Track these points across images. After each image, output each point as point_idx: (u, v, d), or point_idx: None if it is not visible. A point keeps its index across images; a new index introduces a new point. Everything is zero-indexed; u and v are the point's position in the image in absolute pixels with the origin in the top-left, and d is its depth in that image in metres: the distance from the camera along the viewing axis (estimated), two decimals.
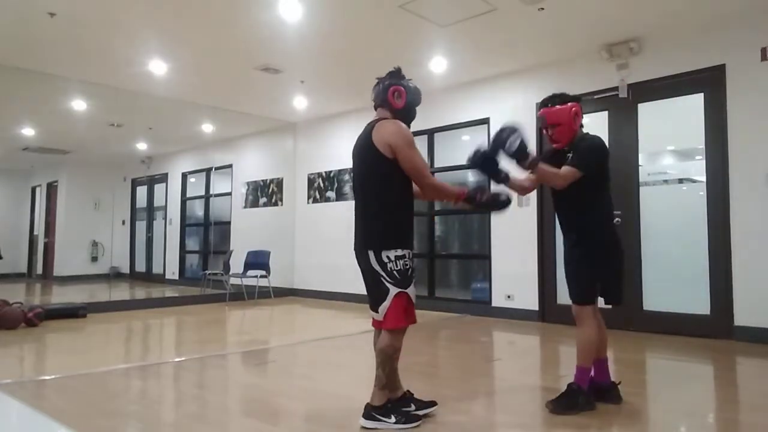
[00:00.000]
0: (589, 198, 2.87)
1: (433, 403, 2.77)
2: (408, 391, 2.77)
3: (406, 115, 2.72)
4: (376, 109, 2.76)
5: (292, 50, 5.56)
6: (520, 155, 2.66)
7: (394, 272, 2.53)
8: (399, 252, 2.54)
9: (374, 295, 2.62)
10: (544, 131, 3.01)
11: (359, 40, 5.38)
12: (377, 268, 2.55)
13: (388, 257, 2.53)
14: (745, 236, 4.60)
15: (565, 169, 2.79)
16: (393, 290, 2.53)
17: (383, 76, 2.76)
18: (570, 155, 2.89)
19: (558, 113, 2.90)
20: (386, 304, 2.54)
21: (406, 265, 2.55)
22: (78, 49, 5.55)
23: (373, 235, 2.60)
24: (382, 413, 2.53)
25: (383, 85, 2.72)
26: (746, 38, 4.63)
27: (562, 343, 4.88)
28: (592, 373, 2.91)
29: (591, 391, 2.84)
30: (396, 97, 2.67)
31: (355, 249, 2.67)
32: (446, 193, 2.74)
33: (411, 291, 2.58)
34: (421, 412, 2.68)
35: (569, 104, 2.90)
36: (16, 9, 4.61)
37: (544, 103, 2.98)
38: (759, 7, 4.53)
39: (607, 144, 2.94)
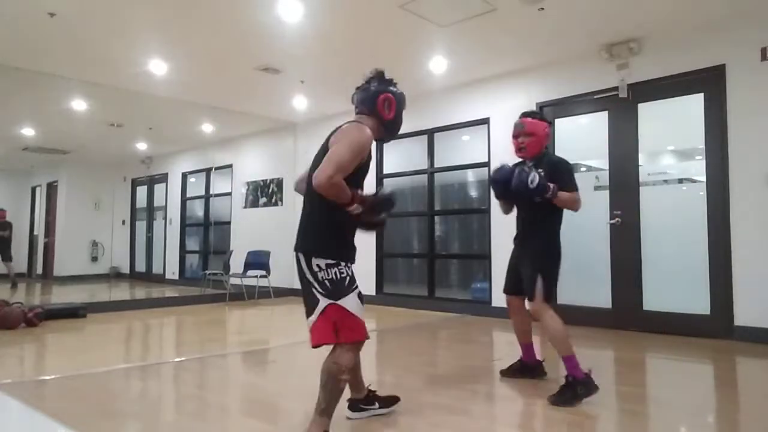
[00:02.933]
0: (551, 209, 3.13)
1: (396, 399, 2.77)
2: (370, 389, 2.72)
3: (395, 125, 2.51)
4: (357, 115, 2.49)
5: (292, 50, 5.56)
6: (543, 189, 2.97)
7: (326, 282, 2.26)
8: (332, 261, 2.28)
9: (306, 304, 2.36)
10: (515, 139, 3.25)
11: (359, 40, 5.38)
12: (309, 276, 2.30)
13: (318, 266, 2.27)
14: (745, 236, 4.60)
15: (571, 195, 3.08)
16: (324, 302, 2.27)
17: (368, 80, 2.50)
18: (541, 171, 3.08)
19: (537, 125, 3.20)
20: (313, 318, 2.30)
21: (340, 273, 2.28)
22: (78, 49, 5.55)
23: (312, 240, 2.35)
24: None
25: (371, 91, 2.44)
26: (746, 38, 4.63)
27: None
28: (521, 354, 3.38)
29: (587, 376, 2.95)
30: (386, 106, 2.42)
31: (294, 250, 2.40)
32: (343, 194, 2.22)
33: (346, 303, 2.27)
34: (385, 411, 2.68)
35: (545, 123, 3.26)
36: (16, 9, 4.62)
37: (526, 114, 3.30)
38: (759, 7, 4.53)
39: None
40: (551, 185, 2.99)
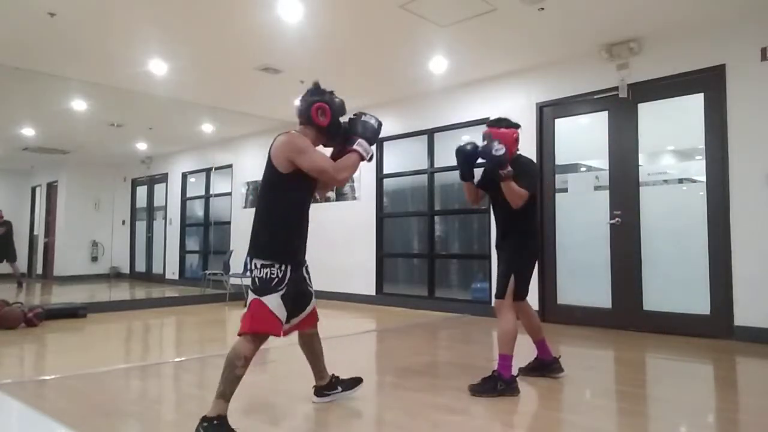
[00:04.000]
0: (524, 210, 3.20)
1: (359, 381, 3.00)
2: (333, 375, 2.97)
3: (333, 131, 2.68)
4: (300, 126, 2.71)
5: (292, 50, 5.56)
6: (503, 162, 3.06)
7: (256, 279, 2.50)
8: (267, 262, 2.50)
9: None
10: None
11: (359, 40, 5.38)
12: (248, 272, 2.58)
13: (255, 265, 2.51)
14: (745, 236, 4.60)
15: (520, 189, 3.12)
16: (251, 296, 2.51)
17: (305, 93, 2.70)
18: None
19: (503, 135, 3.24)
20: (245, 310, 2.53)
21: (271, 274, 2.48)
22: (78, 49, 5.55)
23: (253, 242, 2.61)
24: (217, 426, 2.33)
25: (307, 102, 2.64)
26: (746, 38, 4.63)
27: (562, 343, 4.88)
28: (536, 353, 3.45)
29: (513, 378, 3.06)
30: (320, 114, 2.61)
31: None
32: (353, 163, 2.61)
33: (268, 300, 2.46)
34: (349, 392, 2.95)
35: (512, 129, 3.30)
36: (16, 9, 4.62)
37: (492, 123, 3.36)
38: (759, 7, 4.53)
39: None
40: (509, 168, 3.09)
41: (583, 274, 5.60)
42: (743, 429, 2.66)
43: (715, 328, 4.72)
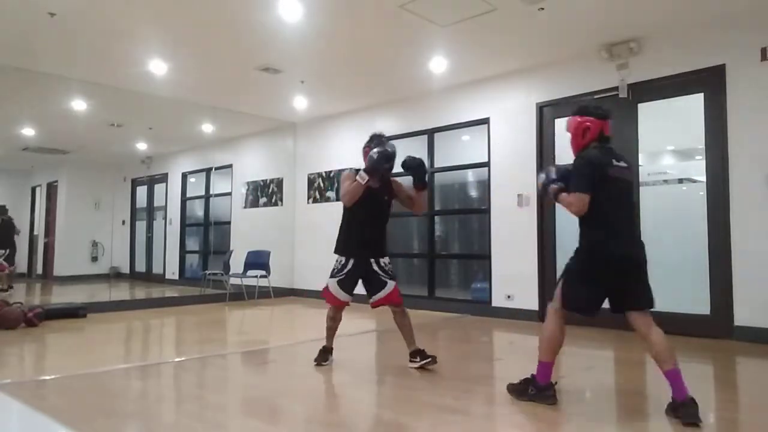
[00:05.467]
0: (586, 217, 2.81)
1: (431, 359, 3.60)
2: (417, 348, 3.68)
3: (370, 167, 3.66)
4: None
5: (292, 50, 5.56)
6: (544, 189, 2.95)
7: (332, 268, 3.77)
8: (336, 257, 3.74)
9: None
10: None
11: (359, 40, 5.38)
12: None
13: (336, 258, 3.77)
14: (745, 236, 4.60)
15: (567, 196, 2.80)
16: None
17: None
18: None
19: (570, 122, 2.94)
20: None
21: (337, 264, 3.74)
22: (78, 49, 5.55)
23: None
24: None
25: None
26: (746, 38, 4.63)
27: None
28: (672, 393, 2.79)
29: (549, 386, 2.89)
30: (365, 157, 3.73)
31: None
32: (349, 189, 3.62)
33: (329, 282, 3.72)
34: (424, 363, 3.58)
35: (580, 117, 2.89)
36: (16, 9, 4.62)
37: (572, 112, 2.98)
38: (759, 7, 4.53)
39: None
40: (554, 187, 2.86)
41: None
42: (743, 429, 2.66)
43: (715, 328, 4.71)
